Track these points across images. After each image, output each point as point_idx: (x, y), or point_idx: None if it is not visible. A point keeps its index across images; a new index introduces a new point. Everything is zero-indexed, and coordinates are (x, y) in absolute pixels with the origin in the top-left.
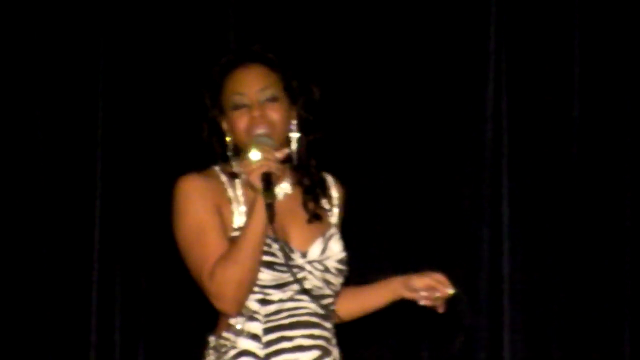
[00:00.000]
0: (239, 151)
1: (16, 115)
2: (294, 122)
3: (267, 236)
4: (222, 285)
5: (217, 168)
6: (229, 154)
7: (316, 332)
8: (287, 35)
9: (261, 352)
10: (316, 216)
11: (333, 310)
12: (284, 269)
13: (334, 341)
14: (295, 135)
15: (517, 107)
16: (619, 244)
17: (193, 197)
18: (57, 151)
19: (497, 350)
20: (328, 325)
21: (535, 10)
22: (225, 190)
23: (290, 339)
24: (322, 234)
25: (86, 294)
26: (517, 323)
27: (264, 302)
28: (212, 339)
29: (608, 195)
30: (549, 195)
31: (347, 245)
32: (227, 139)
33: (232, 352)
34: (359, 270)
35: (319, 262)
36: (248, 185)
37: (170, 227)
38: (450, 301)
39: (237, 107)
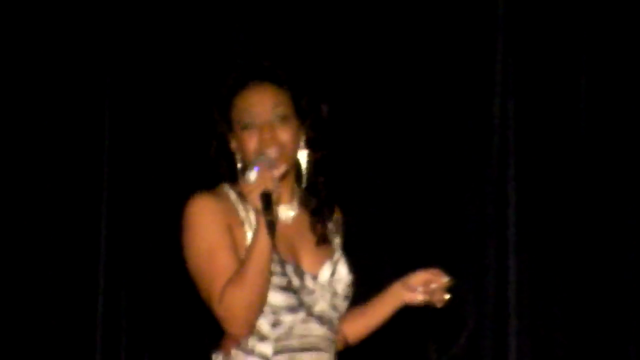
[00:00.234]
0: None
1: (23, 133)
2: (302, 139)
3: (280, 259)
4: (231, 309)
5: (226, 186)
6: (238, 172)
7: (324, 356)
8: (292, 46)
9: None
10: (324, 239)
11: (338, 333)
12: (297, 291)
13: None
14: (303, 153)
15: (524, 116)
16: (627, 250)
17: (204, 217)
18: (64, 166)
19: (504, 356)
20: (334, 350)
21: (543, 20)
22: (236, 211)
23: None
24: (330, 257)
25: (92, 310)
26: (523, 329)
27: (275, 324)
28: (219, 357)
29: (616, 202)
30: (556, 202)
31: (352, 258)
32: (236, 157)
33: None
34: (362, 282)
35: (329, 285)
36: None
37: (178, 245)
38: (451, 300)
39: (246, 126)
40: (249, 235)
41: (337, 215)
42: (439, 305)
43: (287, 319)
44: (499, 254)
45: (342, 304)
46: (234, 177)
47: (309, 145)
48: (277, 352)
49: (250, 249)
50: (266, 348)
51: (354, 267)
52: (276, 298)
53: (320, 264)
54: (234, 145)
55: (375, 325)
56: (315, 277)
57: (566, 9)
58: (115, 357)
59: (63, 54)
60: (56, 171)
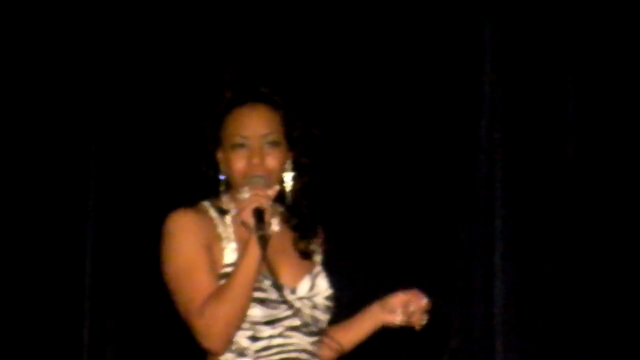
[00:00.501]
0: (230, 187)
1: (6, 151)
2: (289, 162)
3: (259, 273)
4: (210, 324)
5: (206, 203)
6: (221, 188)
7: None
8: (282, 62)
9: None
10: (306, 254)
11: (320, 347)
12: (275, 305)
13: None
14: (289, 175)
15: (511, 140)
16: (614, 269)
17: (183, 233)
18: (49, 186)
19: None
20: None
21: (530, 43)
22: (215, 227)
23: None
24: (310, 272)
25: (78, 331)
26: (510, 350)
27: (254, 338)
28: None
29: (603, 222)
30: (542, 229)
31: (338, 276)
32: (221, 173)
33: None
34: (348, 301)
35: (308, 298)
36: (241, 224)
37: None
38: (432, 322)
39: (236, 147)
40: (227, 250)
41: (320, 235)
42: (417, 327)
43: (266, 332)
44: (486, 275)
45: (323, 316)
46: (216, 192)
47: (297, 169)
48: None
49: (238, 266)
50: None
51: (339, 284)
52: (254, 312)
53: (300, 277)
54: (220, 159)
55: (353, 343)
56: (294, 291)
57: (554, 37)
58: None
59: (53, 63)
60: (40, 193)
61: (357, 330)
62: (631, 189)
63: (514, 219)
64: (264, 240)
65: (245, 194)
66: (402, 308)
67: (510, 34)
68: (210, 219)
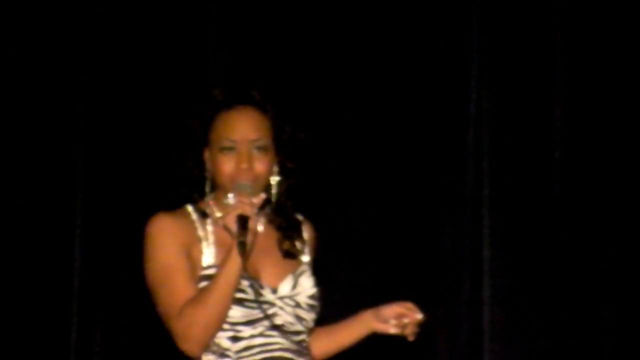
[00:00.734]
0: (215, 188)
1: None
2: (275, 165)
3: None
4: (189, 326)
5: (189, 207)
6: (207, 189)
7: None
8: (268, 61)
9: None
10: (289, 254)
11: (307, 347)
12: (254, 305)
13: None
14: (275, 179)
15: (499, 147)
16: (602, 276)
17: (162, 238)
18: (36, 189)
19: None
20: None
21: (517, 50)
22: (195, 229)
23: None
24: (293, 271)
25: (65, 336)
26: (497, 353)
27: (234, 339)
28: None
29: (589, 234)
30: (530, 237)
31: (326, 283)
32: (206, 173)
33: None
34: (337, 306)
35: (290, 297)
36: (224, 229)
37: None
38: (422, 333)
39: (225, 149)
40: (206, 252)
41: (310, 234)
42: (410, 338)
43: (247, 332)
44: (473, 278)
45: (308, 315)
46: (201, 191)
47: (283, 173)
48: None
49: (219, 271)
50: None
51: (328, 289)
52: (234, 312)
53: (282, 277)
54: (206, 159)
55: (340, 348)
56: (275, 290)
57: (540, 44)
58: None
59: (40, 64)
60: (29, 189)
61: (346, 334)
62: (618, 191)
63: (501, 222)
64: (243, 247)
65: (231, 200)
66: (396, 320)
67: (497, 36)
68: (191, 222)
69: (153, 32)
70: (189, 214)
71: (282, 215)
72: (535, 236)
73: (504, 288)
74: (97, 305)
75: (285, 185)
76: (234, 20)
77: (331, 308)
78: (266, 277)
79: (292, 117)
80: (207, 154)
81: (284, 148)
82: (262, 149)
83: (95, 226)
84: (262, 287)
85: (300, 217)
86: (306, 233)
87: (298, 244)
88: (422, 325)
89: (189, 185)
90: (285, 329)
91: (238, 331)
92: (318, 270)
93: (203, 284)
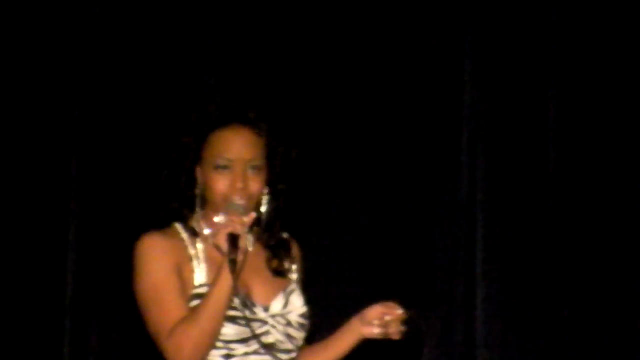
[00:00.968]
0: (206, 205)
1: None
2: (266, 187)
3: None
4: (180, 346)
5: (178, 225)
6: (197, 207)
7: None
8: (261, 70)
9: None
10: (279, 273)
11: None
12: (247, 323)
13: None
14: (266, 199)
15: (493, 150)
16: (596, 281)
17: (153, 257)
18: (29, 199)
19: None
20: None
21: (511, 52)
22: (186, 248)
23: None
24: (284, 290)
25: (59, 346)
26: (491, 357)
27: (228, 357)
28: None
29: (584, 238)
30: (524, 240)
31: (318, 290)
32: (197, 190)
33: None
34: (328, 316)
35: (282, 316)
36: (214, 247)
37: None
38: (409, 332)
39: (220, 168)
40: (198, 270)
41: (296, 252)
42: (395, 337)
43: (240, 350)
44: (467, 289)
45: (298, 334)
46: (192, 210)
47: (273, 193)
48: None
49: (210, 290)
50: None
51: (318, 301)
52: (226, 330)
53: (273, 296)
54: (199, 176)
55: (337, 359)
56: (267, 309)
57: (534, 53)
58: None
59: (32, 74)
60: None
61: (339, 346)
62: (612, 194)
63: (495, 226)
64: (234, 265)
65: (222, 219)
66: (379, 320)
67: (491, 39)
68: (181, 240)
69: (149, 40)
70: (178, 233)
71: (271, 234)
72: (529, 240)
73: (498, 292)
74: (91, 311)
75: (274, 205)
76: (230, 29)
77: (325, 313)
78: (257, 295)
79: (286, 131)
80: (199, 171)
81: (276, 169)
82: (257, 168)
83: (89, 234)
84: (254, 305)
85: (285, 235)
86: (293, 252)
87: (286, 263)
88: (409, 325)
89: (179, 201)
90: (276, 347)
91: (232, 349)
92: (309, 281)
93: (195, 302)
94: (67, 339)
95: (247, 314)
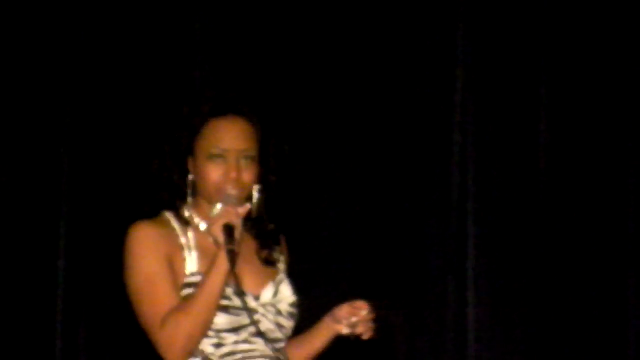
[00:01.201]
0: (195, 194)
1: None
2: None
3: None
4: (172, 336)
5: (168, 214)
6: (189, 196)
7: None
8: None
9: None
10: (268, 262)
11: (285, 355)
12: (239, 312)
13: None
14: (256, 188)
15: (484, 151)
16: (588, 278)
17: (144, 247)
18: (19, 198)
19: None
20: None
21: (503, 57)
22: (177, 237)
23: None
24: (273, 279)
25: (50, 341)
26: (483, 354)
27: (219, 345)
28: None
29: (575, 234)
30: (516, 241)
31: (308, 289)
32: (190, 177)
33: None
34: (317, 314)
35: (272, 305)
36: (210, 239)
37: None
38: (379, 331)
39: (214, 158)
40: (189, 259)
41: (283, 243)
42: (365, 337)
43: (231, 339)
44: (459, 299)
45: (288, 323)
46: (183, 199)
47: (264, 185)
48: None
49: (204, 281)
50: None
51: (307, 296)
52: (218, 319)
53: (263, 285)
54: (191, 166)
55: (312, 354)
56: (257, 298)
57: (526, 51)
58: None
59: (22, 71)
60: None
61: (312, 342)
62: (602, 196)
63: (486, 226)
64: (232, 255)
65: (217, 210)
66: (346, 320)
67: (482, 44)
68: (172, 229)
69: (137, 34)
70: (169, 222)
71: (260, 224)
72: (521, 236)
73: (489, 291)
74: (82, 306)
75: (264, 196)
76: (219, 23)
77: (315, 312)
78: (248, 284)
79: (278, 125)
80: (191, 161)
81: (268, 160)
82: (250, 159)
83: (80, 229)
84: (245, 294)
85: (272, 226)
86: (280, 240)
87: (275, 253)
88: (379, 323)
89: (170, 191)
90: (267, 336)
91: (222, 338)
92: (299, 276)
93: (186, 291)
94: (59, 334)
95: (238, 303)
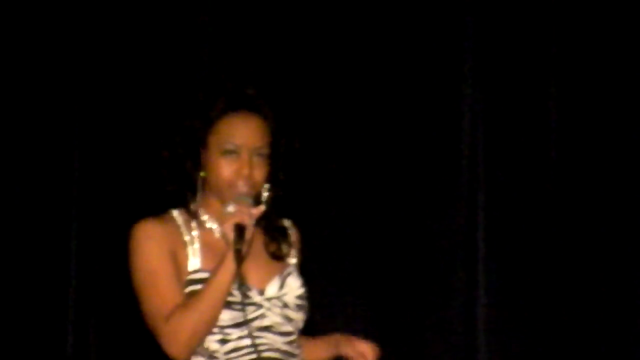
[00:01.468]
0: (205, 189)
1: None
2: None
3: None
4: (176, 332)
5: (174, 211)
6: (198, 188)
7: None
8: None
9: None
10: (276, 256)
11: (298, 347)
12: (241, 307)
13: None
14: (266, 186)
15: (494, 146)
16: (597, 276)
17: (148, 243)
18: (30, 195)
19: None
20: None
21: (512, 51)
22: (181, 234)
23: None
24: (280, 272)
25: (62, 342)
26: (492, 350)
27: (223, 341)
28: None
29: (585, 229)
30: (526, 237)
31: (318, 285)
32: (201, 173)
33: None
34: (329, 310)
35: (278, 298)
36: (221, 236)
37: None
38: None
39: (227, 153)
40: (192, 256)
41: (296, 237)
42: None
43: (235, 334)
44: (468, 296)
45: (296, 315)
46: (194, 193)
47: (274, 182)
48: None
49: (211, 279)
50: None
51: (316, 292)
52: (223, 315)
53: (269, 279)
54: (203, 160)
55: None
56: (262, 292)
57: (535, 45)
58: None
59: (29, 70)
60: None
61: (322, 350)
62: (613, 190)
63: (496, 222)
64: (239, 255)
65: (230, 209)
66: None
67: (491, 39)
68: (176, 226)
69: (147, 32)
70: (174, 219)
71: (268, 219)
72: (530, 236)
73: (499, 288)
74: (93, 305)
75: (274, 194)
76: (229, 19)
77: (324, 303)
78: (253, 279)
79: (289, 122)
80: (203, 155)
81: (279, 158)
82: (262, 156)
83: (91, 226)
84: (249, 289)
85: (286, 221)
86: (293, 237)
87: (284, 247)
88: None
89: (181, 184)
90: (273, 329)
91: (227, 334)
92: (311, 271)
93: (190, 288)
94: (70, 333)
95: (240, 298)
